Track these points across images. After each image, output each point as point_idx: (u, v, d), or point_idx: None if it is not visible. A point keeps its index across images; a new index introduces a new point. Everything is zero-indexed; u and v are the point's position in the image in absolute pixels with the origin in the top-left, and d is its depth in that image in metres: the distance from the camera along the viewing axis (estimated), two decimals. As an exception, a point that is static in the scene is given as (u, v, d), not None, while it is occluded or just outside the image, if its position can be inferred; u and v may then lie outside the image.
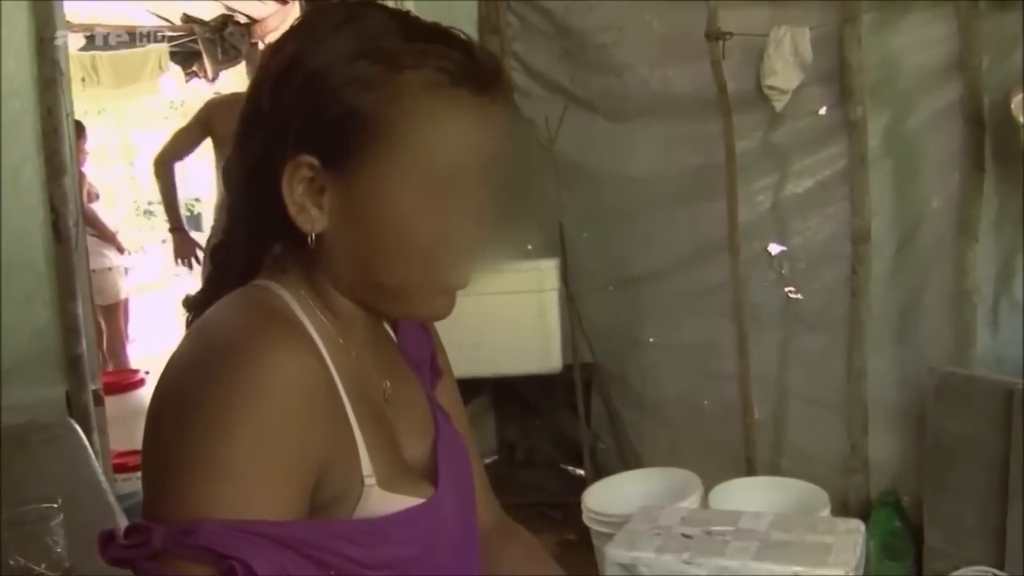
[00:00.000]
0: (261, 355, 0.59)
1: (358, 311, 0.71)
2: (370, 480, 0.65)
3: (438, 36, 0.67)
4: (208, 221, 9.17)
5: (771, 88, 2.30)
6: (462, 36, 0.68)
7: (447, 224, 0.67)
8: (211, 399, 0.57)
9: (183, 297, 0.74)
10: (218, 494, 0.56)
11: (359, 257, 0.67)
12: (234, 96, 3.43)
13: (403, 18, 0.68)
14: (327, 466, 0.62)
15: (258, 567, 0.55)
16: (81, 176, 3.27)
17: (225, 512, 0.55)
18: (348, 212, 0.66)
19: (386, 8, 0.70)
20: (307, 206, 0.66)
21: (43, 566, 1.00)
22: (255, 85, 0.68)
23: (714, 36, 2.32)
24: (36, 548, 1.01)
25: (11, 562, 1.00)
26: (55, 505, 1.03)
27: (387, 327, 0.80)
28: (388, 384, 0.74)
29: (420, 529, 0.67)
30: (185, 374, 0.61)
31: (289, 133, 0.65)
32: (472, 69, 0.66)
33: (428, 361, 0.84)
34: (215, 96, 3.49)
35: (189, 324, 0.71)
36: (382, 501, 0.66)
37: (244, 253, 0.71)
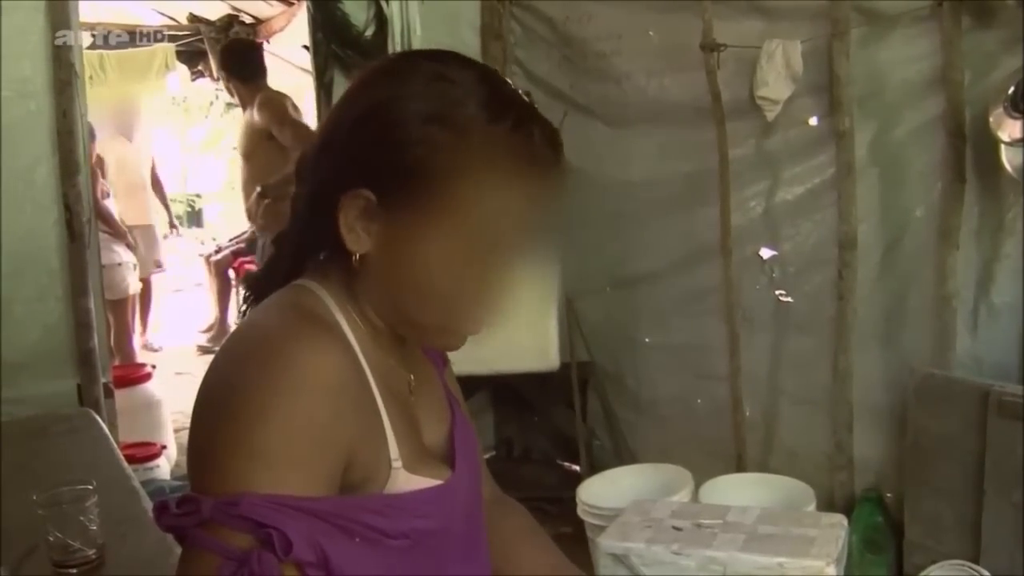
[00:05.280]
0: (295, 352, 0.66)
1: None
2: (397, 463, 0.73)
3: (513, 109, 0.72)
4: (208, 217, 9.20)
5: (763, 98, 2.35)
6: (534, 107, 0.74)
7: (474, 281, 0.74)
8: (250, 390, 0.65)
9: (245, 275, 0.82)
10: (255, 472, 0.64)
11: (390, 287, 0.75)
12: None
13: (490, 83, 0.73)
14: (356, 450, 0.70)
15: (292, 535, 0.63)
16: (94, 174, 3.33)
17: (261, 488, 0.63)
18: (390, 246, 0.73)
19: (475, 70, 0.74)
20: (356, 229, 0.73)
21: (79, 542, 1.07)
22: (335, 114, 0.76)
23: (709, 47, 2.38)
24: (72, 526, 1.08)
25: (50, 538, 1.07)
26: (90, 487, 1.10)
27: None
28: (412, 378, 0.82)
29: (438, 507, 0.75)
30: (229, 367, 0.69)
31: (356, 166, 0.73)
32: (535, 148, 0.72)
33: (439, 353, 0.92)
34: None
35: (246, 301, 0.80)
36: (407, 482, 0.73)
37: (296, 248, 0.79)
